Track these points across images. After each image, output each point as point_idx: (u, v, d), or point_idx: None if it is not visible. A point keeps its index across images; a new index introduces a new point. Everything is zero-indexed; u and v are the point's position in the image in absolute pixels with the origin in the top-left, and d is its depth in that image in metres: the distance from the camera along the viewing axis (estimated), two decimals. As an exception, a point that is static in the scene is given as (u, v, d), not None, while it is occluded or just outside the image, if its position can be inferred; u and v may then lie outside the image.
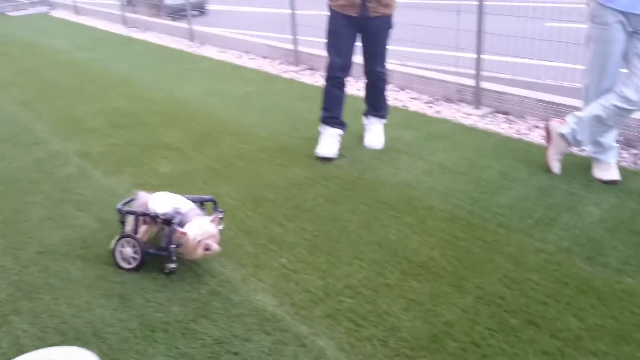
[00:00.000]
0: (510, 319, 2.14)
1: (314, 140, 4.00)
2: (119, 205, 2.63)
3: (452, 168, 3.46)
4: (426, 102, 4.91)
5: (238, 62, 6.87)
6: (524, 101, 4.41)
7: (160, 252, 2.50)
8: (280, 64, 6.66)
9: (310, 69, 6.28)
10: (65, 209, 3.12)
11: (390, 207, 3.00)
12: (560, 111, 4.12)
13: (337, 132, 3.77)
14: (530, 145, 3.80)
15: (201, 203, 2.72)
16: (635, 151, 3.64)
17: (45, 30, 10.21)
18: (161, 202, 2.54)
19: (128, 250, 2.51)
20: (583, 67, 3.18)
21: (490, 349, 2.00)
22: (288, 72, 6.23)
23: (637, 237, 2.63)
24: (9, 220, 3.03)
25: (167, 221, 2.46)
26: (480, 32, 4.45)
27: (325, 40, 3.69)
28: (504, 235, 2.69)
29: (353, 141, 3.95)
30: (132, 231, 2.55)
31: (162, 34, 9.14)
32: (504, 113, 4.52)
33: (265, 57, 7.03)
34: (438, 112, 4.64)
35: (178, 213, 2.46)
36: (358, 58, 3.78)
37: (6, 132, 4.46)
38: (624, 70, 3.02)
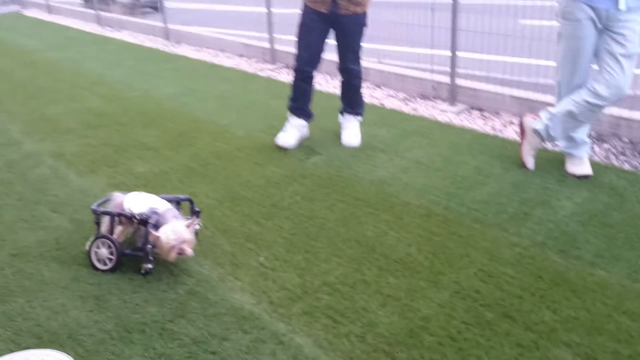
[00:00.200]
0: (486, 312, 2.17)
1: (291, 138, 4.01)
2: (94, 206, 2.60)
3: (428, 164, 3.49)
4: (402, 100, 4.94)
5: (214, 60, 6.83)
6: (499, 98, 4.46)
7: (137, 253, 2.48)
8: (257, 62, 6.64)
9: (287, 67, 6.28)
10: (39, 210, 3.08)
11: (367, 204, 3.01)
12: (534, 107, 4.18)
13: (302, 122, 3.89)
14: (504, 141, 3.85)
15: (178, 203, 2.70)
16: (607, 146, 3.71)
17: (17, 29, 10.05)
18: (137, 202, 2.52)
19: (104, 251, 2.49)
20: (555, 64, 3.22)
21: (466, 342, 2.02)
22: (264, 70, 6.22)
23: (609, 230, 2.68)
24: (-19, 222, 2.98)
25: (144, 221, 2.44)
26: (454, 30, 4.49)
27: (296, 34, 3.74)
28: (480, 230, 2.72)
29: (330, 139, 3.96)
30: (107, 232, 2.53)
31: (137, 33, 9.06)
32: (479, 109, 4.56)
33: (241, 56, 7.01)
34: (414, 109, 4.67)
35: (155, 213, 2.44)
36: (333, 55, 3.80)
37: (-23, 133, 4.38)
38: (595, 67, 3.07)
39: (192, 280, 2.42)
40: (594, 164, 3.33)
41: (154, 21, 9.03)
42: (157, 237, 2.33)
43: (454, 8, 4.44)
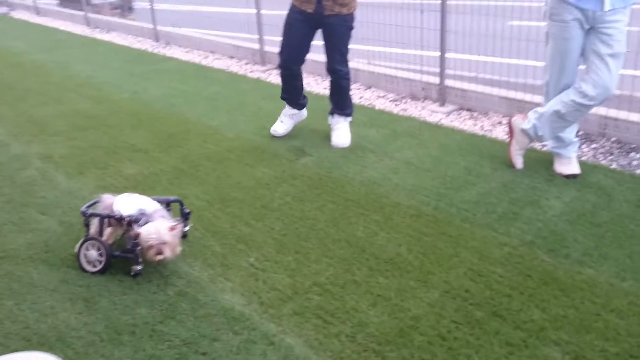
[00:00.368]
0: (476, 311, 2.18)
1: (281, 139, 4.01)
2: (83, 208, 2.59)
3: (418, 165, 3.50)
4: (392, 100, 4.96)
5: (204, 62, 6.82)
6: (488, 98, 4.49)
7: (126, 255, 2.47)
8: (247, 63, 6.64)
9: (277, 68, 6.27)
10: (28, 212, 3.06)
11: (357, 205, 3.02)
12: (523, 107, 4.20)
13: (293, 111, 4.07)
14: (494, 141, 3.87)
15: (168, 204, 2.69)
16: (594, 145, 3.73)
17: (5, 31, 9.98)
18: (127, 204, 2.51)
19: (93, 253, 2.47)
20: (544, 64, 3.25)
21: (456, 341, 2.03)
22: (254, 71, 6.22)
23: (597, 229, 2.70)
24: (-32, 225, 2.96)
25: (133, 223, 2.44)
26: (443, 31, 4.51)
27: (282, 32, 3.81)
28: (469, 230, 2.74)
29: (320, 140, 3.96)
30: (96, 234, 2.52)
31: (126, 35, 9.02)
32: (469, 110, 4.58)
33: (231, 57, 7.00)
34: (404, 110, 4.69)
35: (143, 214, 2.44)
36: (322, 56, 3.81)
37: (-35, 135, 4.35)
38: (583, 67, 3.10)
39: (182, 282, 2.41)
40: (582, 164, 3.35)
41: (143, 23, 9.00)
42: (138, 233, 2.34)
43: (443, 9, 4.46)
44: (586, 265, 2.43)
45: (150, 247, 2.33)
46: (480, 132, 4.07)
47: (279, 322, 2.16)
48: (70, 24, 10.42)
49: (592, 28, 2.97)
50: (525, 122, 3.32)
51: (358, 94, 5.15)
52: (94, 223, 2.56)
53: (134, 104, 5.05)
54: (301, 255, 2.59)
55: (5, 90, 5.70)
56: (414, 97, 5.00)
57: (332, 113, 4.00)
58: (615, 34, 2.91)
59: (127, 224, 2.46)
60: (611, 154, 3.59)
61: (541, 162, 3.46)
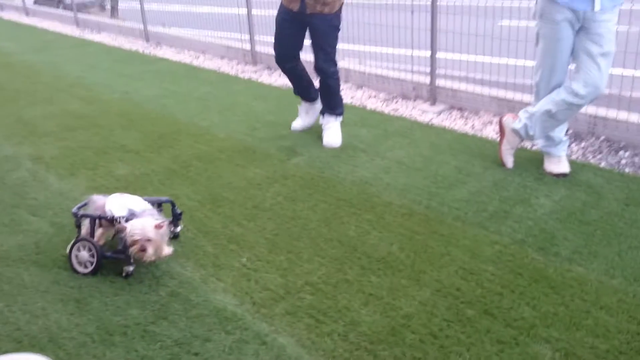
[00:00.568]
0: (467, 309, 2.19)
1: (273, 140, 4.02)
2: (74, 209, 2.58)
3: (409, 164, 3.51)
4: (383, 100, 4.97)
5: (195, 62, 6.81)
6: (478, 98, 4.51)
7: (118, 256, 2.46)
8: (238, 64, 6.63)
9: (268, 68, 6.28)
10: (18, 214, 3.04)
11: (349, 204, 3.03)
12: (513, 107, 4.23)
13: (307, 105, 4.17)
14: (484, 140, 3.89)
15: (159, 205, 2.69)
16: (584, 144, 3.76)
17: (-6, 32, 9.92)
18: (119, 204, 2.51)
19: (84, 254, 2.47)
20: (534, 64, 3.27)
21: (447, 339, 2.04)
22: (246, 72, 6.22)
23: (587, 227, 2.72)
24: (-42, 227, 2.94)
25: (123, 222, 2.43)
26: (434, 31, 4.53)
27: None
28: (460, 229, 2.75)
29: (311, 140, 3.97)
30: (88, 235, 2.51)
31: (116, 35, 8.99)
32: (459, 109, 4.60)
33: (222, 57, 6.99)
34: (395, 109, 4.70)
35: (133, 215, 2.43)
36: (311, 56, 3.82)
37: (-46, 137, 4.32)
38: (573, 66, 3.12)
39: (174, 282, 2.41)
40: (571, 163, 3.38)
41: (133, 23, 8.97)
42: (124, 227, 2.34)
43: (433, 9, 4.48)
44: (576, 263, 2.45)
45: (135, 242, 2.33)
46: (471, 132, 4.09)
47: (271, 321, 2.16)
48: (60, 25, 10.38)
49: (582, 28, 2.99)
50: (516, 121, 3.34)
51: (349, 94, 5.16)
52: (85, 224, 2.55)
53: (125, 104, 5.04)
54: (293, 254, 2.59)
55: (-6, 91, 5.67)
56: (404, 97, 5.01)
57: (322, 113, 4.01)
58: (605, 34, 2.94)
59: (119, 224, 2.45)
60: (600, 153, 3.61)
61: (531, 161, 3.48)
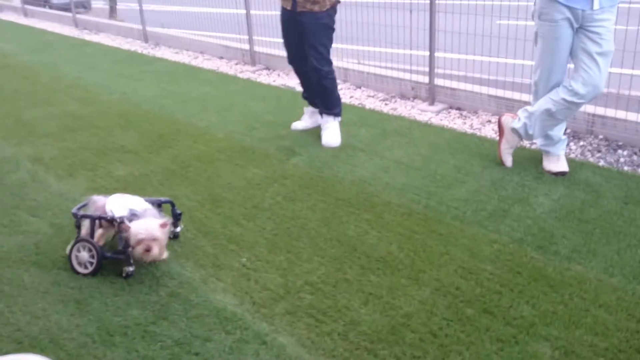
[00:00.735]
0: (466, 308, 2.20)
1: (272, 140, 4.02)
2: (74, 210, 2.58)
3: (408, 164, 3.52)
4: (382, 100, 4.97)
5: (194, 62, 6.81)
6: (477, 97, 4.52)
7: (118, 256, 2.47)
8: (237, 64, 6.63)
9: (267, 68, 6.28)
10: (18, 215, 3.05)
11: (348, 204, 3.03)
12: (512, 106, 4.24)
13: (311, 109, 4.19)
14: (483, 139, 3.89)
15: (159, 205, 2.69)
16: (582, 143, 3.77)
17: (-7, 33, 9.91)
18: (119, 205, 2.51)
19: (84, 255, 2.47)
20: (532, 63, 3.27)
21: (447, 338, 2.05)
22: (244, 72, 6.22)
23: (585, 226, 2.73)
24: (-42, 228, 2.94)
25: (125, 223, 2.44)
26: (432, 31, 4.53)
27: None
28: (459, 228, 2.76)
29: (310, 140, 3.98)
30: (88, 235, 2.51)
31: (115, 36, 8.99)
32: (458, 109, 4.61)
33: (221, 58, 6.99)
34: (394, 109, 4.71)
35: (134, 215, 2.44)
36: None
37: (-47, 138, 4.32)
38: (572, 65, 3.12)
39: (174, 282, 2.42)
40: (570, 161, 3.39)
41: (132, 23, 8.97)
42: (128, 228, 2.35)
43: (432, 9, 4.48)
44: (575, 262, 2.46)
45: (139, 242, 2.33)
46: (470, 131, 4.10)
47: (271, 321, 2.17)
48: (58, 26, 10.37)
49: (580, 27, 2.99)
50: (515, 121, 3.35)
51: (348, 94, 5.16)
52: (85, 225, 2.55)
53: (124, 105, 5.04)
54: (293, 254, 2.59)
55: (-7, 92, 5.67)
56: (403, 97, 5.02)
57: (320, 113, 4.02)
58: (604, 33, 2.94)
59: (118, 224, 2.46)
60: (599, 151, 3.62)
61: (530, 160, 3.48)
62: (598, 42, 2.95)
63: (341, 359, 1.97)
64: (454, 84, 4.69)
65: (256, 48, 6.47)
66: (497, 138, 3.62)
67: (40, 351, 2.02)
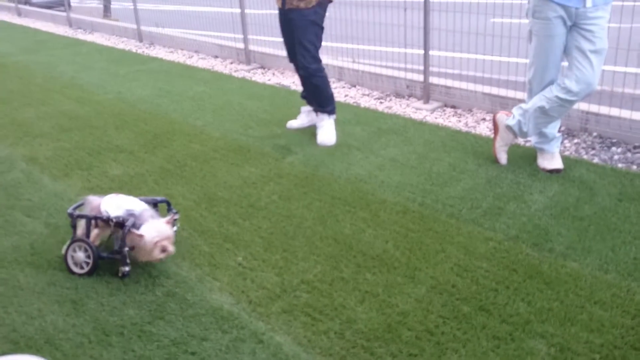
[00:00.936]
0: (462, 306, 2.20)
1: (267, 138, 4.02)
2: (69, 210, 2.58)
3: (404, 162, 3.52)
4: (377, 98, 4.98)
5: (189, 62, 6.80)
6: (471, 95, 4.53)
7: (114, 256, 2.47)
8: (232, 63, 6.63)
9: (262, 67, 6.28)
10: (13, 215, 3.04)
11: (344, 202, 3.04)
12: (506, 104, 4.25)
13: (308, 108, 4.18)
14: (478, 137, 3.90)
15: (155, 204, 2.69)
16: (577, 140, 3.78)
17: (-14, 32, 9.87)
18: (114, 205, 2.51)
19: (80, 255, 2.47)
20: (526, 61, 3.28)
21: (443, 336, 2.05)
22: (239, 71, 6.21)
23: (580, 223, 2.74)
24: (-47, 229, 2.93)
25: (120, 224, 2.43)
26: (427, 29, 4.54)
27: None
28: (455, 226, 2.76)
29: (306, 138, 3.98)
30: (83, 235, 2.51)
31: (109, 35, 8.97)
32: (453, 107, 4.62)
33: (216, 57, 6.99)
34: (389, 107, 4.71)
35: (131, 215, 2.43)
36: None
37: (-53, 138, 4.31)
38: (565, 63, 3.13)
39: (170, 282, 2.41)
40: (564, 159, 3.40)
41: (126, 23, 8.95)
42: (141, 236, 2.33)
43: (426, 7, 4.49)
44: (570, 259, 2.47)
45: (155, 245, 2.34)
46: (465, 129, 4.11)
47: (267, 320, 2.17)
48: (53, 25, 10.34)
49: (574, 25, 3.00)
50: (509, 118, 3.36)
51: (343, 92, 5.17)
52: (81, 225, 2.55)
53: (119, 104, 5.03)
54: (289, 253, 2.60)
55: (-13, 92, 5.65)
56: (398, 95, 5.02)
57: (315, 111, 4.02)
58: (597, 31, 2.96)
59: (114, 225, 2.46)
60: (593, 149, 3.64)
61: (525, 158, 3.50)
62: (591, 40, 2.96)
63: (338, 357, 1.98)
64: (449, 82, 4.70)
65: (251, 47, 6.46)
66: (492, 136, 3.63)
67: (37, 352, 2.02)
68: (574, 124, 3.94)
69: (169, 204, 2.73)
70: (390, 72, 5.17)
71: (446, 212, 2.89)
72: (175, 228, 2.75)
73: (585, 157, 3.53)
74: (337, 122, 4.04)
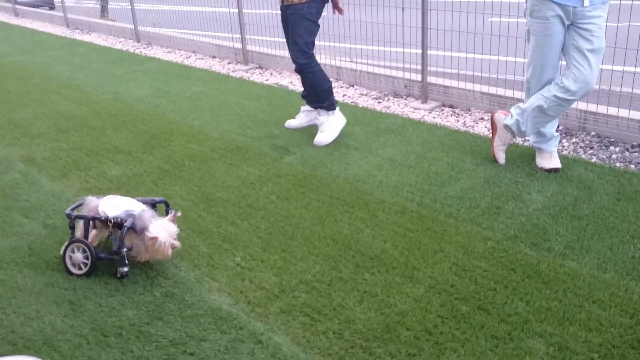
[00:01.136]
0: (461, 306, 2.20)
1: (266, 138, 4.02)
2: (67, 210, 2.57)
3: (402, 162, 3.52)
4: (375, 98, 4.98)
5: (186, 62, 6.79)
6: (469, 94, 4.53)
7: (113, 257, 2.46)
8: (229, 63, 6.62)
9: (260, 67, 6.27)
10: (11, 216, 3.03)
11: (342, 202, 3.03)
12: (504, 103, 4.25)
13: (307, 107, 4.18)
14: (476, 137, 3.90)
15: (153, 205, 2.69)
16: (575, 140, 3.79)
17: (-17, 33, 9.85)
18: (112, 206, 2.50)
19: (78, 256, 2.46)
20: (524, 60, 3.28)
21: (442, 336, 2.05)
22: (237, 71, 6.21)
23: (578, 222, 2.74)
24: (-50, 230, 2.93)
25: (119, 224, 2.43)
26: (424, 28, 4.54)
27: None
28: (453, 225, 2.76)
29: (304, 138, 3.97)
30: (82, 236, 2.51)
31: (106, 35, 8.96)
32: (451, 106, 4.62)
33: (214, 57, 6.98)
34: (387, 107, 4.71)
35: (130, 215, 2.43)
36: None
37: (-56, 139, 4.30)
38: (563, 62, 3.14)
39: (169, 282, 2.41)
40: (562, 158, 3.40)
41: (124, 23, 8.94)
42: (155, 238, 2.34)
43: (424, 7, 4.49)
44: (568, 258, 2.47)
45: (167, 245, 2.38)
46: (463, 128, 4.11)
47: (266, 320, 2.17)
48: (50, 25, 10.32)
49: (572, 24, 3.01)
50: (507, 117, 3.36)
51: (341, 92, 5.17)
52: (79, 225, 2.55)
53: (116, 104, 5.02)
54: (287, 253, 2.60)
55: (-16, 93, 5.64)
56: (396, 95, 5.02)
57: (317, 108, 4.02)
58: (595, 30, 2.96)
59: (113, 225, 2.45)
60: (591, 148, 3.64)
61: (523, 157, 3.50)
62: (589, 39, 2.96)
63: (336, 357, 1.98)
64: (447, 82, 4.70)
65: (249, 47, 6.46)
66: (490, 135, 3.63)
67: (35, 353, 2.01)
68: (572, 123, 3.95)
69: (167, 204, 2.73)
70: (388, 72, 5.17)
71: (444, 212, 2.89)
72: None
73: (583, 156, 3.53)
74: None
